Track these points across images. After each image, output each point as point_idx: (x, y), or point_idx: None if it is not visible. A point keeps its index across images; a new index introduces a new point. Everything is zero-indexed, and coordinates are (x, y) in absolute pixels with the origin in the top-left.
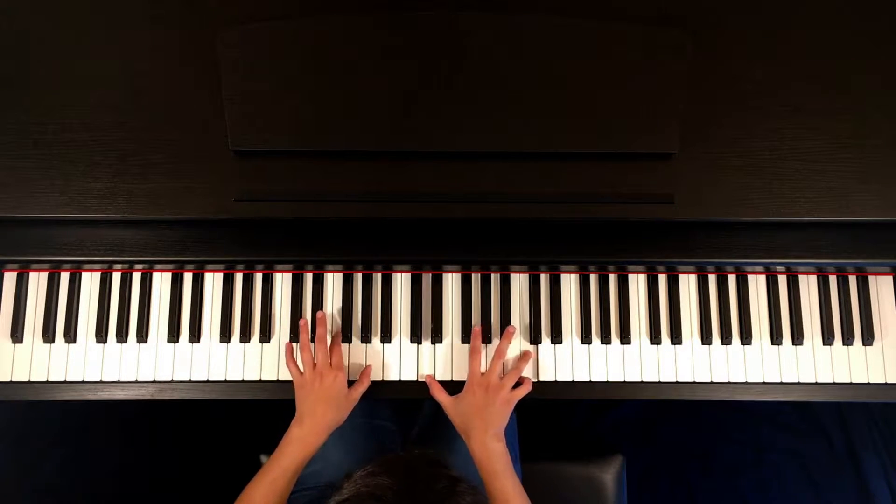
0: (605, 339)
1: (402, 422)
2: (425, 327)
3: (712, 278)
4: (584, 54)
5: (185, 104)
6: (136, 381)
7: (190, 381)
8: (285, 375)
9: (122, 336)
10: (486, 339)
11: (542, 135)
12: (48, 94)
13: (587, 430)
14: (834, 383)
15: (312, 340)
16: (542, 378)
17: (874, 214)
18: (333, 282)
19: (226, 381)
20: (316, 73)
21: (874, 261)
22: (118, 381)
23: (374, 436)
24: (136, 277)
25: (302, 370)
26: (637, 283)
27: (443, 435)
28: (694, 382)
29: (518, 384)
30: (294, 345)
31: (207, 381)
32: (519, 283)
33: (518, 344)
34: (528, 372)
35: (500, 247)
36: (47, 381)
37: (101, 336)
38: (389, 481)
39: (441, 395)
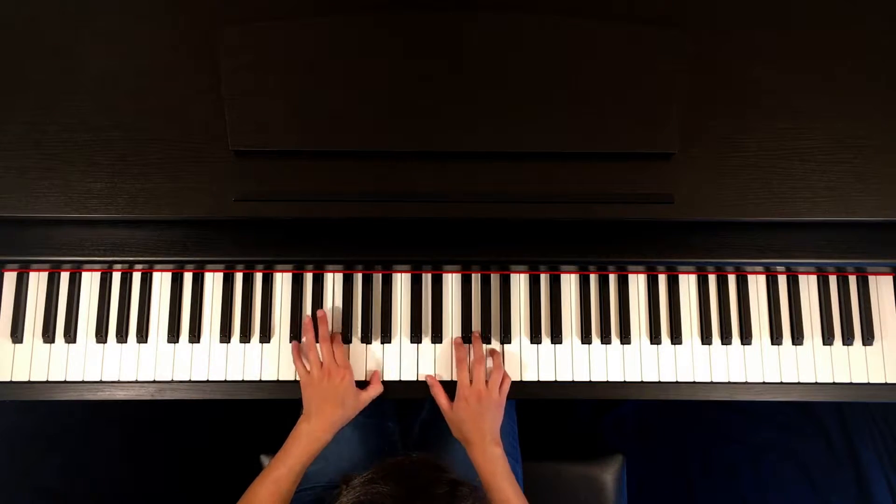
0: (605, 339)
1: (403, 421)
2: (425, 327)
3: (712, 278)
4: (584, 54)
5: (185, 104)
6: (136, 381)
7: (190, 381)
8: (285, 376)
9: (122, 336)
10: (485, 340)
11: (542, 135)
12: (48, 94)
13: (587, 430)
14: (834, 383)
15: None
16: (542, 378)
17: (874, 214)
18: (333, 282)
19: (226, 381)
20: (316, 72)
21: (874, 261)
22: (118, 381)
23: (376, 435)
24: (136, 277)
25: (309, 369)
26: (637, 283)
27: (443, 435)
28: (694, 382)
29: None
30: (299, 343)
31: (207, 381)
32: (519, 283)
33: (518, 344)
34: (528, 372)
35: (500, 247)
36: (47, 381)
37: (101, 336)
38: (388, 488)
39: (441, 399)
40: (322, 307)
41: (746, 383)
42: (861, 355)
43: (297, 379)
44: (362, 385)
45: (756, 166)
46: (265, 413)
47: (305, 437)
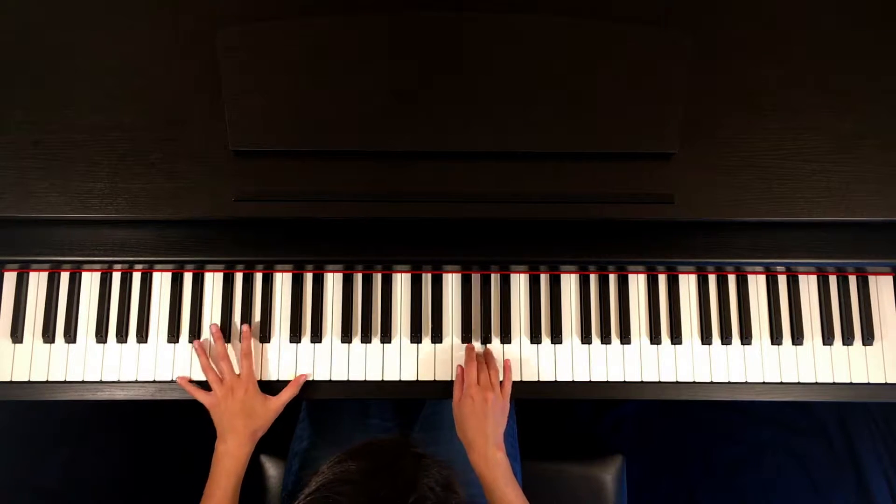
0: (605, 339)
1: (402, 422)
2: (425, 327)
3: (712, 278)
4: (585, 54)
5: (185, 104)
6: (136, 381)
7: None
8: (285, 375)
9: (121, 336)
10: (485, 340)
11: (543, 135)
12: (48, 94)
13: (587, 430)
14: (834, 383)
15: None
16: (542, 378)
17: (874, 214)
18: (333, 282)
19: None
20: (316, 72)
21: (874, 261)
22: (118, 381)
23: (374, 436)
24: (136, 277)
25: (211, 390)
26: (637, 283)
27: (443, 436)
28: (694, 382)
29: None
30: (187, 377)
31: (208, 381)
32: (519, 283)
33: (518, 344)
34: (528, 372)
35: (500, 247)
36: (47, 382)
37: (101, 336)
38: (356, 465)
39: (457, 390)
40: (322, 307)
41: (746, 383)
42: (861, 355)
43: (289, 379)
44: (368, 386)
45: (756, 166)
46: None
47: (225, 457)
